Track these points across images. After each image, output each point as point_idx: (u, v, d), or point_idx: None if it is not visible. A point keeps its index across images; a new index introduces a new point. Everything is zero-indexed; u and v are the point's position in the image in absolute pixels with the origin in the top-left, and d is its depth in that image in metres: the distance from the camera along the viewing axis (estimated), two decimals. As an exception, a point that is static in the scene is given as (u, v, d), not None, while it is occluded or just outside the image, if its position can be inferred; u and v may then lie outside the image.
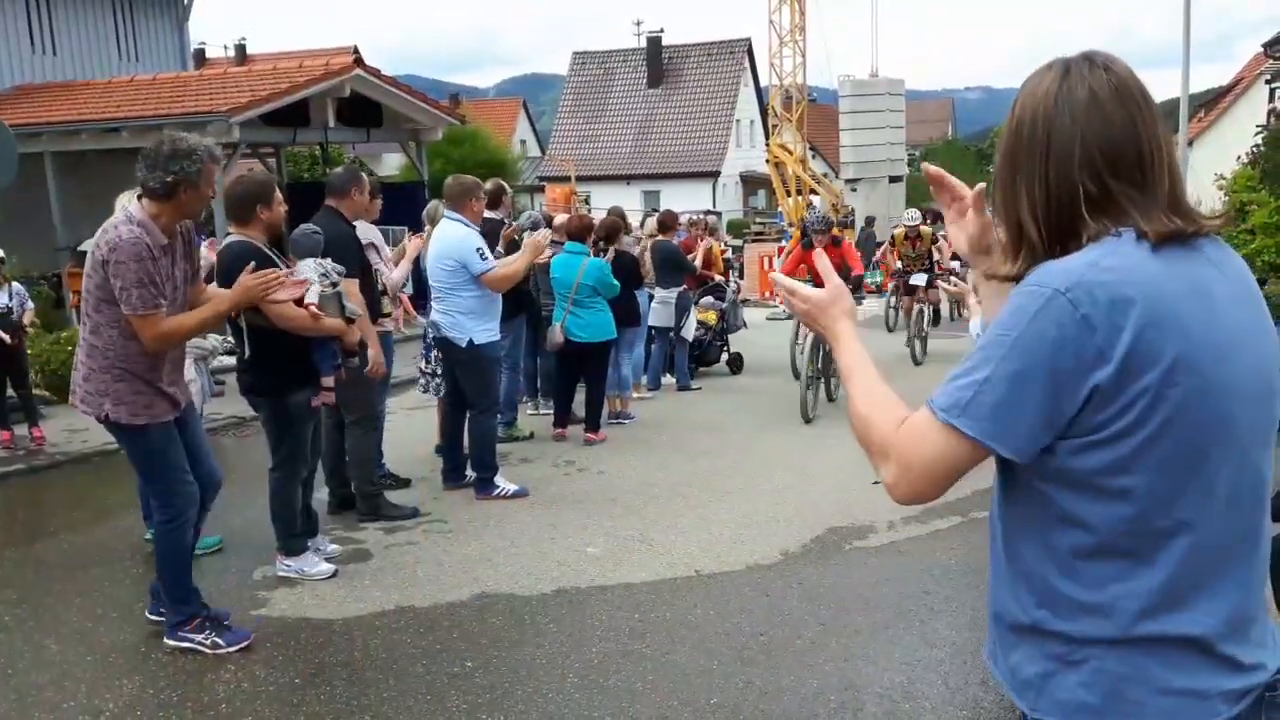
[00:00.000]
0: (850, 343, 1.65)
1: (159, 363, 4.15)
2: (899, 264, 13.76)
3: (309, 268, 4.97)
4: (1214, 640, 1.42)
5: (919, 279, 12.75)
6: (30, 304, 8.46)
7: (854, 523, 5.92)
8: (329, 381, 5.10)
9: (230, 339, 5.73)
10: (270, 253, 4.78)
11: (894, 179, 31.08)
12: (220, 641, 4.32)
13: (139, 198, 4.10)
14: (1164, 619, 1.41)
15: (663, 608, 4.78)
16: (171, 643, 4.34)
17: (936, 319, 14.81)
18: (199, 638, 4.32)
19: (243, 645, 4.33)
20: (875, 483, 6.98)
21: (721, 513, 6.20)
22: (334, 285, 5.05)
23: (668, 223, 10.81)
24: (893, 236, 14.21)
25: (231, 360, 6.14)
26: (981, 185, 1.71)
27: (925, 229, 13.50)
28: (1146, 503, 1.39)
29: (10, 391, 8.27)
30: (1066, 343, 1.35)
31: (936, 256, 13.40)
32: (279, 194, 4.96)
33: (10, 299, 8.18)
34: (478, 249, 6.34)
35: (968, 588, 4.94)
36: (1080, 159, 1.43)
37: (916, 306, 12.61)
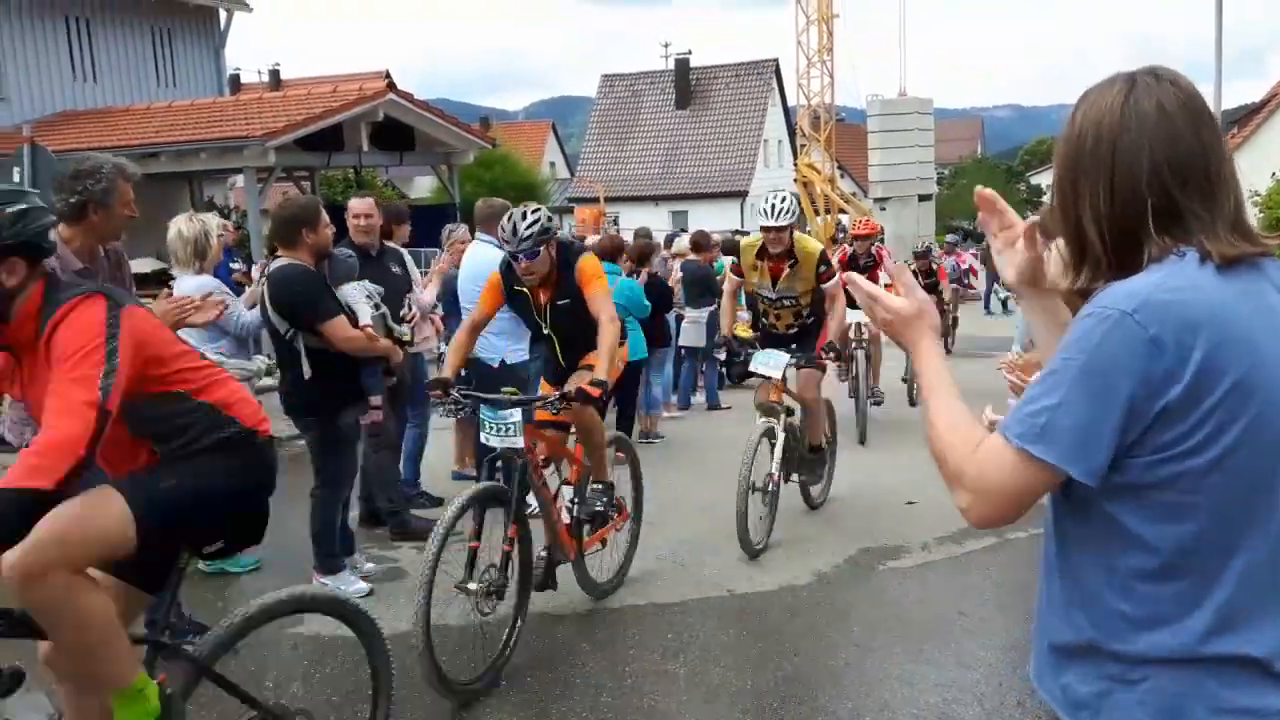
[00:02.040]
0: (932, 359, 1.62)
1: None
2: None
3: (354, 291, 5.06)
4: (1273, 659, 1.42)
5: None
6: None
7: (887, 543, 5.89)
8: (376, 400, 5.18)
9: (269, 360, 5.83)
10: (319, 275, 4.85)
11: (923, 198, 31.03)
12: None
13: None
14: (1224, 639, 1.41)
15: (696, 628, 4.78)
16: None
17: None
18: None
19: None
20: (909, 503, 6.93)
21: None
22: (377, 307, 5.14)
23: (700, 243, 10.87)
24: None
25: (270, 381, 6.22)
26: (1034, 219, 1.67)
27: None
28: (1211, 522, 1.39)
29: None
30: (1135, 364, 1.35)
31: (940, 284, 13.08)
32: (324, 216, 5.01)
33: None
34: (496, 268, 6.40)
35: (1003, 609, 4.91)
36: (1148, 172, 1.42)
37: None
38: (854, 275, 1.77)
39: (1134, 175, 1.43)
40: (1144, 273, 1.42)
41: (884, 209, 30.16)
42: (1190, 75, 1.50)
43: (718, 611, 4.97)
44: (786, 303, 6.31)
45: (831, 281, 6.15)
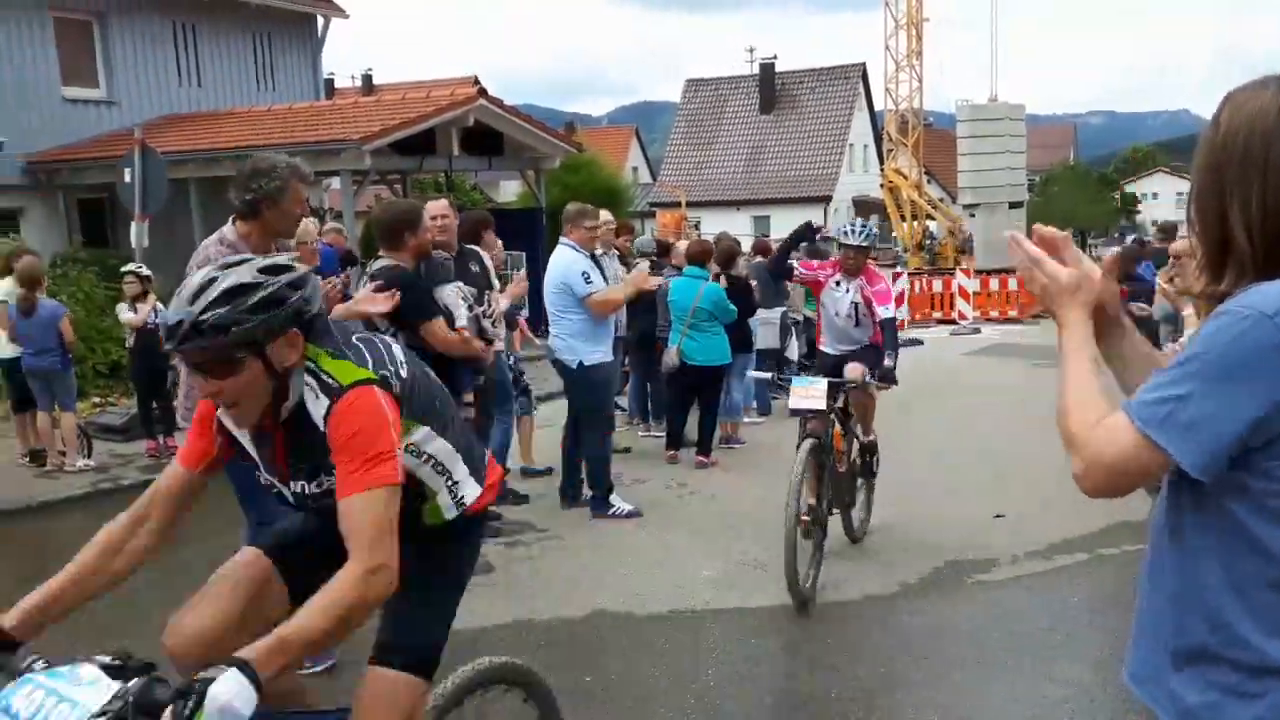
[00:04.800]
0: (1078, 332, 1.59)
1: None
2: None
3: (451, 294, 5.19)
4: None
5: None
6: (172, 322, 8.96)
7: (975, 556, 5.80)
8: (469, 398, 5.31)
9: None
10: (418, 277, 4.99)
11: (1014, 204, 30.35)
12: (306, 660, 4.15)
13: (233, 220, 4.15)
14: None
15: (778, 634, 4.78)
16: None
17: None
18: None
19: (328, 666, 4.13)
20: (998, 516, 6.80)
21: (837, 540, 6.14)
22: (471, 309, 5.26)
23: (767, 247, 10.91)
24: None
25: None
26: (1116, 251, 1.66)
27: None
28: None
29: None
30: (1268, 368, 1.35)
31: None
32: (426, 220, 5.16)
33: (156, 317, 8.70)
34: (583, 272, 6.51)
35: (1093, 626, 4.80)
36: None
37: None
38: (1018, 235, 1.70)
39: None
40: None
41: (973, 215, 29.60)
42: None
43: (801, 619, 4.95)
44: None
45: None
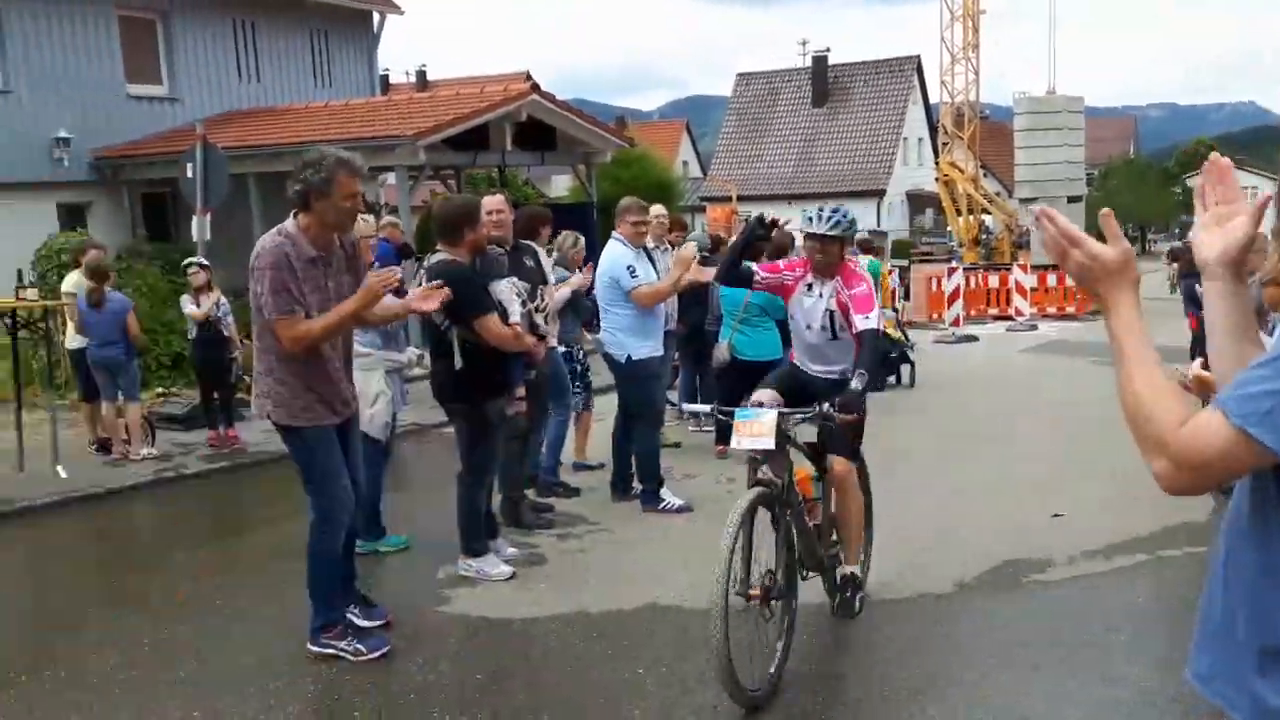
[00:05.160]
0: (1127, 314, 1.54)
1: (315, 369, 4.25)
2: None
3: (505, 289, 5.25)
4: None
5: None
6: (230, 316, 9.13)
7: (1032, 556, 5.72)
8: (521, 391, 5.38)
9: (420, 352, 6.10)
10: (473, 272, 5.06)
11: (1073, 199, 29.79)
12: (362, 648, 4.36)
13: (294, 213, 4.23)
14: None
15: (828, 631, 4.75)
16: (314, 649, 4.40)
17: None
18: (341, 644, 4.38)
19: (382, 653, 4.38)
20: (1056, 515, 6.69)
21: (890, 539, 6.07)
22: (524, 304, 5.32)
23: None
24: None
25: (421, 371, 6.48)
26: (1268, 193, 1.58)
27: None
28: None
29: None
30: None
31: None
32: (483, 216, 5.24)
33: (218, 309, 8.89)
34: (628, 266, 6.53)
35: (1154, 627, 4.72)
36: None
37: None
38: (1048, 209, 1.60)
39: None
40: None
41: (1030, 210, 29.12)
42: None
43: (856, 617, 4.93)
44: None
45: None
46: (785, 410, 4.31)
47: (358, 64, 18.75)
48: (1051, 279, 20.37)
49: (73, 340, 8.68)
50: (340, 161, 4.13)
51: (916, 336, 14.05)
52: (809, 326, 4.81)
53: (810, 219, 4.71)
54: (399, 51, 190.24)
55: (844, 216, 4.73)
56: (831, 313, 4.71)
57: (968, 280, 19.52)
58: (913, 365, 11.89)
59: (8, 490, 7.44)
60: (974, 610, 5.00)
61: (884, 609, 5.02)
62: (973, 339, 16.62)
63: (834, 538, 4.76)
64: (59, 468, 7.81)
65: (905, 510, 6.72)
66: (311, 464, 4.34)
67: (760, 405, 4.39)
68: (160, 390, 10.75)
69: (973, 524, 6.37)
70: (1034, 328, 18.37)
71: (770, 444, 4.10)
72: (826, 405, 4.25)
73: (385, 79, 35.99)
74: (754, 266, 4.95)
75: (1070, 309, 19.99)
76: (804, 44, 48.20)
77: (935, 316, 18.80)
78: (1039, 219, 1.62)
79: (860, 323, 4.58)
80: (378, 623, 4.64)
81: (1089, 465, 7.56)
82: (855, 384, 4.35)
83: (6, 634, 5.10)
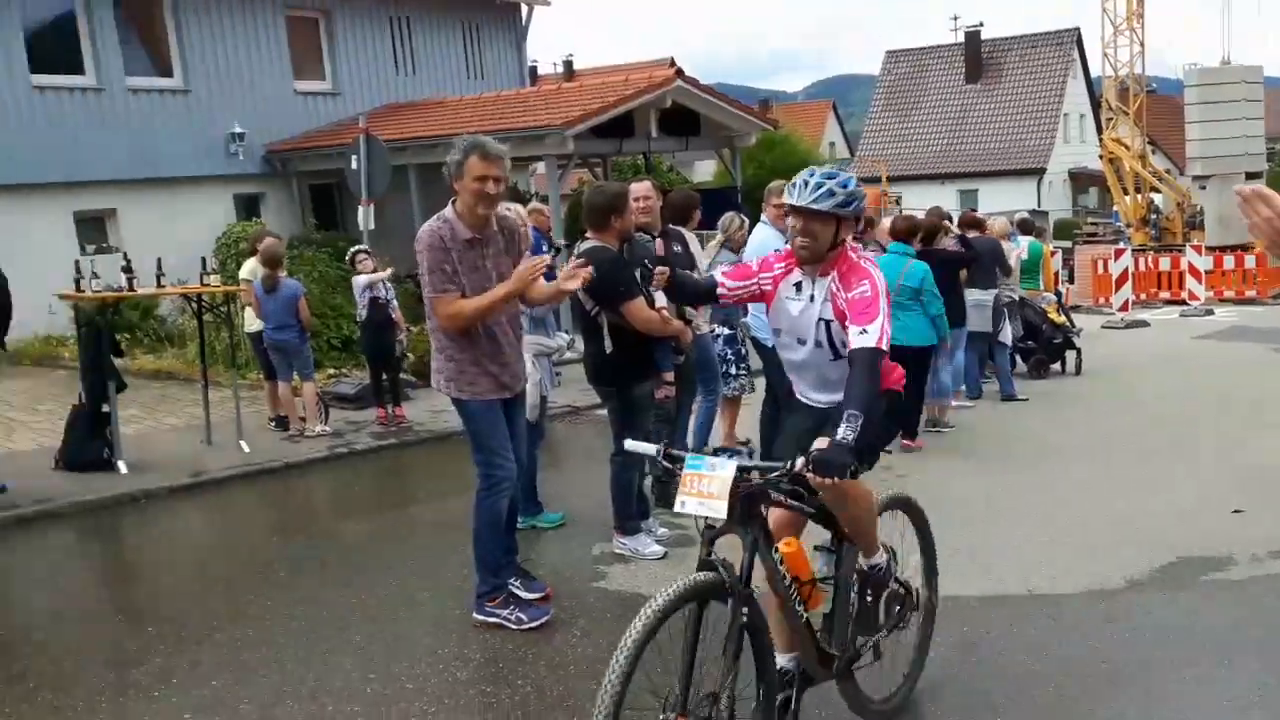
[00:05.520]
0: None
1: (477, 345, 4.45)
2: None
3: None
4: None
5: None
6: (395, 300, 9.51)
7: (1210, 554, 5.41)
8: (669, 376, 5.45)
9: (570, 337, 6.24)
10: (621, 257, 5.14)
11: (1251, 175, 27.84)
12: (524, 617, 4.58)
13: (452, 200, 4.45)
14: None
15: (991, 624, 4.63)
16: (479, 617, 4.64)
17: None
18: (504, 613, 4.60)
19: (543, 621, 4.58)
20: (1236, 511, 6.32)
21: (1053, 533, 5.89)
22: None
23: (977, 221, 10.46)
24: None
25: (572, 355, 6.62)
26: None
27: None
28: None
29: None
30: None
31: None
32: (631, 203, 5.32)
33: (386, 293, 9.29)
34: (776, 249, 6.46)
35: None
36: None
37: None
38: (1260, 187, 1.49)
39: None
40: None
41: (1204, 188, 27.36)
42: None
43: (1018, 610, 4.79)
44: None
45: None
46: (747, 465, 3.05)
47: (507, 55, 19.20)
48: (1229, 261, 19.12)
49: (251, 324, 9.23)
50: (473, 145, 4.30)
51: (1082, 321, 13.42)
52: (800, 341, 3.51)
53: (794, 186, 3.36)
54: (547, 42, 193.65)
55: (842, 185, 3.33)
56: (827, 323, 3.42)
57: (1136, 262, 18.51)
58: (1079, 352, 11.38)
59: (197, 462, 8.00)
60: (1146, 608, 4.76)
61: (1049, 602, 4.86)
62: (1143, 324, 15.78)
63: (850, 633, 3.50)
64: (242, 442, 8.33)
65: (1063, 504, 6.47)
66: (479, 433, 4.58)
67: (721, 452, 3.17)
68: (331, 371, 11.31)
69: (1145, 518, 6.07)
70: (1210, 313, 17.27)
71: (721, 512, 2.95)
72: (800, 461, 2.94)
73: (534, 70, 36.70)
74: (716, 276, 3.81)
75: (1251, 293, 18.73)
76: (955, 19, 46.69)
77: (1102, 301, 17.92)
78: (1245, 200, 1.50)
79: (855, 339, 3.23)
80: (537, 595, 4.80)
81: (1274, 459, 7.09)
82: (842, 432, 2.96)
83: (202, 593, 5.49)
